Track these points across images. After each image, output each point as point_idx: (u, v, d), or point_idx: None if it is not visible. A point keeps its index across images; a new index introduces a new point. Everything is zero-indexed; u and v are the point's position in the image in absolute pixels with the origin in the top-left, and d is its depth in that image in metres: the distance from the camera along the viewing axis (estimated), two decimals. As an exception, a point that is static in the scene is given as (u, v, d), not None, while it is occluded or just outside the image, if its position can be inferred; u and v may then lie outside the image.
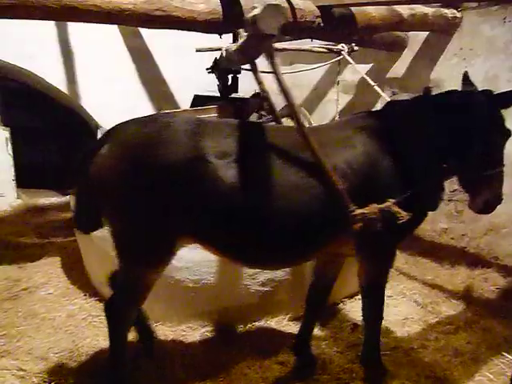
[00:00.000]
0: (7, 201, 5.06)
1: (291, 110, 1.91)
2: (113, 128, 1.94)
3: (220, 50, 2.81)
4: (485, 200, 2.05)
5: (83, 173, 1.88)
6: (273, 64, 1.88)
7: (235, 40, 3.44)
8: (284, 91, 1.88)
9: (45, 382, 2.20)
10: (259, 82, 2.14)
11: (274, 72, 1.88)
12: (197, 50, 3.05)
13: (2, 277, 3.34)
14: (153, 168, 1.75)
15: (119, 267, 1.96)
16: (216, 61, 3.29)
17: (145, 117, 1.95)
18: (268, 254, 1.97)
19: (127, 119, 1.95)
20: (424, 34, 4.43)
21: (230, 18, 3.07)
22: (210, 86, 5.14)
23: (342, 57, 3.49)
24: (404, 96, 2.22)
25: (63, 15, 2.76)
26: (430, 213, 2.11)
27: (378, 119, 2.08)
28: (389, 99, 2.85)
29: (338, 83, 3.82)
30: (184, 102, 4.52)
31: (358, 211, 1.85)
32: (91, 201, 1.92)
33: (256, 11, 1.77)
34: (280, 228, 1.85)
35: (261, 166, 1.85)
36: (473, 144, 1.98)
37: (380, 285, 2.15)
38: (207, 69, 3.44)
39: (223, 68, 3.29)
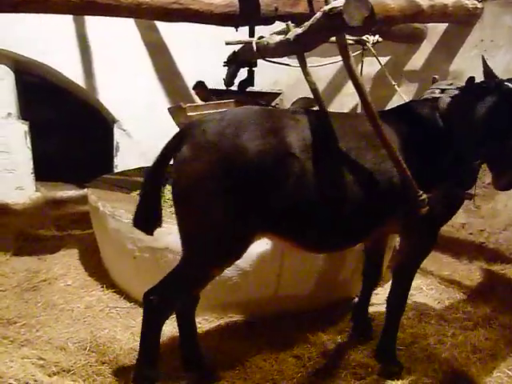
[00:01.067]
0: (26, 194, 5.16)
1: (363, 102, 1.90)
2: (188, 127, 1.89)
3: (250, 42, 2.77)
4: (509, 180, 2.19)
5: (156, 174, 1.90)
6: (346, 56, 1.83)
7: (251, 33, 3.43)
8: (356, 84, 1.86)
9: (64, 371, 2.24)
10: (307, 74, 2.12)
11: (347, 64, 1.84)
12: (226, 43, 3.04)
13: (22, 268, 3.41)
14: (242, 168, 1.74)
15: (182, 259, 1.94)
16: (235, 53, 3.27)
17: (219, 113, 1.93)
18: (342, 239, 2.10)
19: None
20: (443, 26, 4.35)
21: (246, 11, 3.06)
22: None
23: (364, 49, 3.42)
24: (443, 84, 2.28)
25: (81, 9, 2.79)
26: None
27: (431, 108, 2.16)
28: (404, 96, 2.81)
29: (360, 75, 3.75)
30: (200, 95, 4.51)
31: (424, 196, 1.95)
32: (157, 201, 1.93)
33: (338, 3, 1.68)
34: (354, 213, 1.95)
35: (339, 154, 1.93)
36: (508, 131, 2.07)
37: (414, 267, 2.26)
38: (224, 62, 3.44)
39: (241, 61, 3.28)
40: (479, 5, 4.00)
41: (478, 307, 3.00)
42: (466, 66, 4.08)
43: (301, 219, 1.90)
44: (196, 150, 1.77)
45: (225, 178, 1.74)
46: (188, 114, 2.95)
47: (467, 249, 3.95)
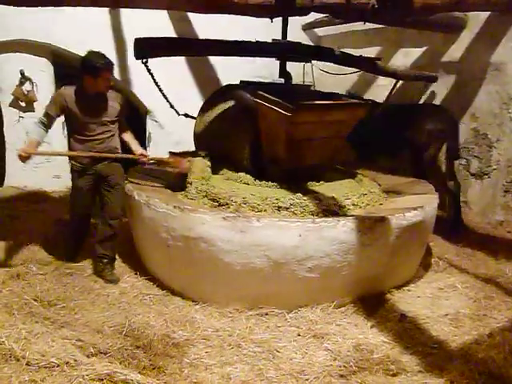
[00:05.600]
0: (63, 182, 5.32)
1: None
2: None
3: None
4: None
5: None
6: None
7: (285, 24, 3.41)
8: None
9: (101, 352, 2.31)
10: None
11: None
12: None
13: (59, 253, 3.53)
14: None
15: None
16: None
17: None
18: None
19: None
20: (485, 14, 4.17)
21: (282, 2, 3.03)
22: (256, 71, 5.13)
23: None
24: None
25: (122, 2, 2.82)
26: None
27: None
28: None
29: None
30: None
31: None
32: None
33: None
34: None
35: None
36: None
37: None
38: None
39: None
40: (525, -8, 3.82)
41: (516, 307, 2.91)
42: (509, 56, 3.91)
43: None
44: None
45: None
46: None
47: (504, 247, 3.81)
